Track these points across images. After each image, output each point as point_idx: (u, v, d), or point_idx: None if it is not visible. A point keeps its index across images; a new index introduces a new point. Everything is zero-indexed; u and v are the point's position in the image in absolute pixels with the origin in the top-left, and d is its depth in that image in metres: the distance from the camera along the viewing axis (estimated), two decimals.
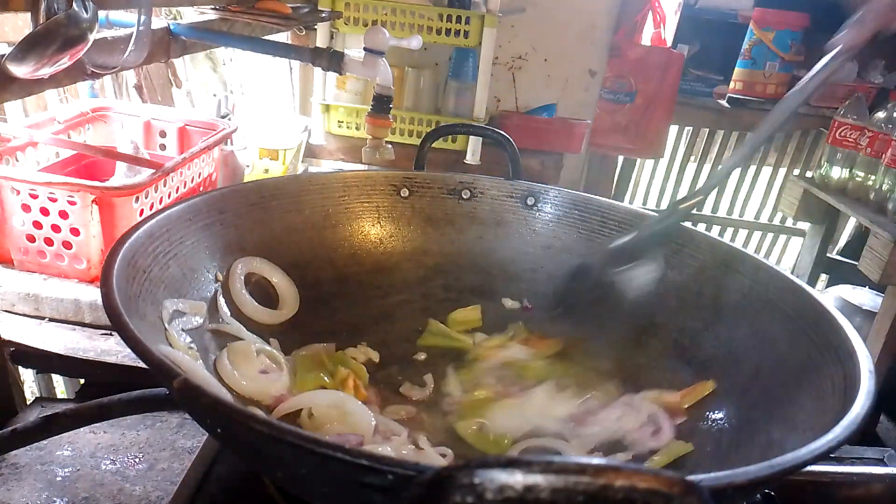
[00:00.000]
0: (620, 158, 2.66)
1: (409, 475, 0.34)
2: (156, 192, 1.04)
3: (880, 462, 0.79)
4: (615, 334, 0.82)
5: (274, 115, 1.90)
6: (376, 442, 0.61)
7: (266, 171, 1.50)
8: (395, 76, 1.34)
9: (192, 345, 0.62)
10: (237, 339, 0.69)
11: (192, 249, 0.68)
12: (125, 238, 0.59)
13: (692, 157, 3.17)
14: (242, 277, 0.73)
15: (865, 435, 0.80)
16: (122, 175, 1.14)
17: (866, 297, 2.12)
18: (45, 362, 0.88)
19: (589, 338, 0.83)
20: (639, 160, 2.97)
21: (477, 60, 1.66)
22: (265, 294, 0.76)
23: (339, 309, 0.83)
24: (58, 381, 1.58)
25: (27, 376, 1.63)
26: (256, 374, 0.65)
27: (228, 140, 1.33)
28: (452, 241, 0.92)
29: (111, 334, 0.92)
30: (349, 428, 0.61)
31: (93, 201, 0.95)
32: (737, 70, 2.52)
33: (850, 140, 1.92)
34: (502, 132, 0.96)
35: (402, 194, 0.91)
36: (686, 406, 0.68)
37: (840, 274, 2.48)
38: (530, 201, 0.92)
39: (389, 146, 1.25)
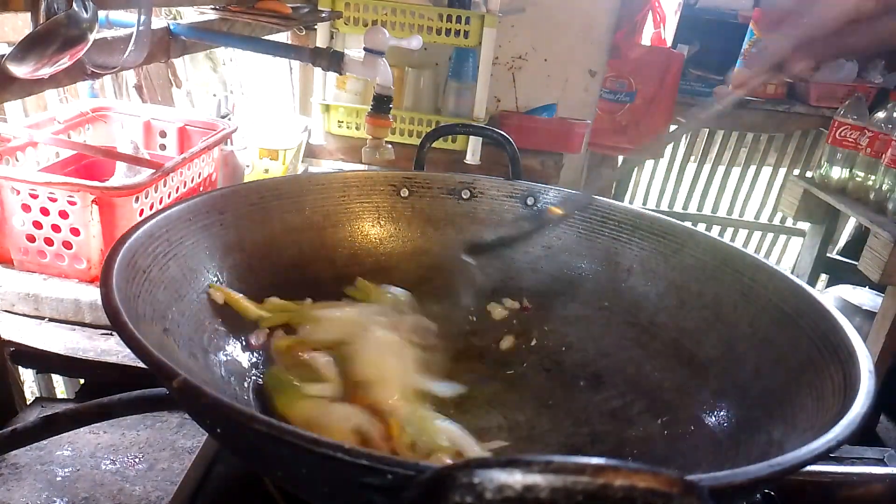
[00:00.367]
0: (620, 158, 2.66)
1: (408, 475, 0.34)
2: (156, 192, 1.04)
3: (880, 462, 0.79)
4: (616, 334, 0.82)
5: (274, 115, 1.90)
6: None
7: (266, 171, 1.50)
8: (395, 76, 1.34)
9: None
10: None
11: (192, 249, 0.68)
12: (125, 238, 0.59)
13: (692, 157, 3.17)
14: None
15: (865, 435, 0.81)
16: (122, 175, 1.14)
17: (866, 297, 2.12)
18: (45, 362, 0.88)
19: (589, 338, 0.83)
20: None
21: (477, 60, 1.66)
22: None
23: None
24: (58, 381, 1.59)
25: (27, 376, 1.63)
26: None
27: (228, 140, 1.33)
28: (452, 241, 0.92)
29: (111, 334, 0.92)
30: None
31: (93, 201, 0.95)
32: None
33: (850, 140, 1.92)
34: (502, 132, 0.96)
35: (402, 194, 0.91)
36: None
37: (840, 274, 2.49)
38: (530, 201, 0.92)
39: (389, 146, 1.25)
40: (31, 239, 0.98)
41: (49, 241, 0.98)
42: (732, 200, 3.26)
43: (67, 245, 0.98)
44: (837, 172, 1.98)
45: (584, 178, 2.33)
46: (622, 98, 2.26)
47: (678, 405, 0.71)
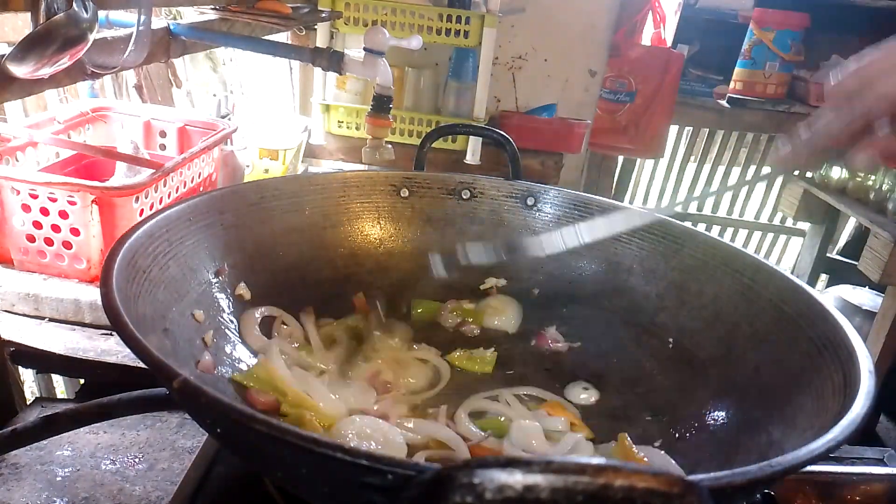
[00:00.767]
0: (620, 158, 2.66)
1: (408, 475, 0.34)
2: (156, 192, 1.04)
3: (880, 462, 0.79)
4: (616, 335, 0.82)
5: (274, 115, 1.90)
6: None
7: (266, 171, 1.50)
8: (395, 76, 1.34)
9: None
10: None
11: (192, 249, 0.68)
12: (125, 238, 0.59)
13: (692, 157, 3.17)
14: None
15: (865, 435, 0.80)
16: (122, 175, 1.14)
17: (866, 297, 2.12)
18: (45, 362, 0.88)
19: (589, 338, 0.83)
20: (639, 160, 2.97)
21: (477, 60, 1.66)
22: None
23: (338, 309, 0.83)
24: (58, 381, 1.59)
25: (27, 376, 1.63)
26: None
27: (228, 140, 1.33)
28: (452, 242, 0.92)
29: (111, 334, 0.92)
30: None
31: (93, 201, 0.95)
32: (737, 70, 2.53)
33: None
34: (502, 132, 0.96)
35: (402, 194, 0.91)
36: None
37: (840, 274, 2.49)
38: (530, 201, 0.92)
39: (389, 146, 1.25)
40: (31, 239, 0.98)
41: (49, 241, 0.98)
42: (732, 200, 3.26)
43: (67, 245, 0.98)
44: (837, 172, 1.98)
45: (583, 178, 2.33)
46: (622, 98, 2.26)
47: (678, 405, 0.71)
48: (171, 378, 0.42)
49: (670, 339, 0.78)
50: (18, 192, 0.95)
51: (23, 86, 0.74)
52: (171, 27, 1.07)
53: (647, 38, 2.31)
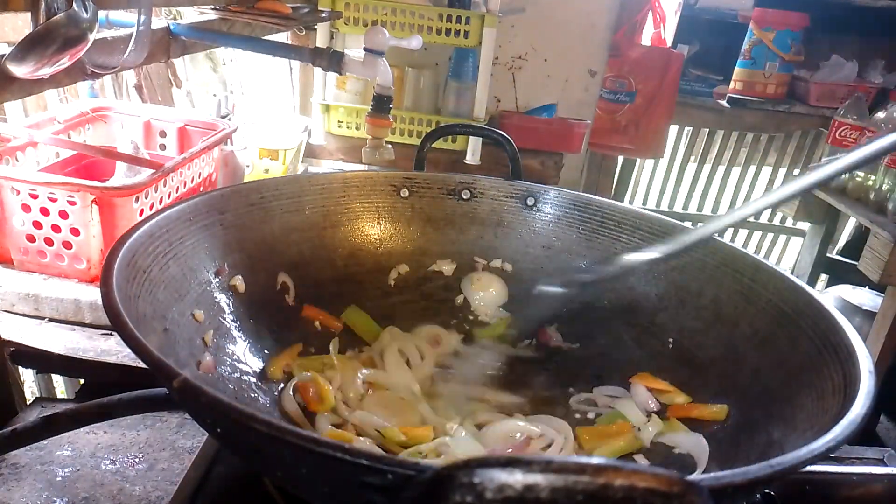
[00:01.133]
0: (620, 158, 2.66)
1: (408, 475, 0.34)
2: (156, 192, 1.04)
3: (880, 462, 0.79)
4: (616, 334, 0.82)
5: (274, 115, 1.90)
6: None
7: (266, 171, 1.50)
8: (395, 76, 1.34)
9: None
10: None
11: (192, 249, 0.68)
12: (125, 238, 0.59)
13: (692, 157, 3.17)
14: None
15: (865, 435, 0.80)
16: (122, 175, 1.14)
17: (866, 297, 2.12)
18: (45, 362, 0.88)
19: (588, 338, 0.83)
20: (639, 160, 2.97)
21: (477, 60, 1.66)
22: None
23: (339, 309, 0.83)
24: (58, 381, 1.59)
25: (27, 376, 1.63)
26: None
27: (228, 140, 1.33)
28: (452, 242, 0.92)
29: (111, 334, 0.92)
30: None
31: (93, 201, 0.95)
32: (737, 70, 2.53)
33: (851, 140, 1.93)
34: (502, 132, 0.96)
35: (402, 194, 0.91)
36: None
37: (840, 274, 2.49)
38: (530, 201, 0.92)
39: (389, 146, 1.25)
40: (31, 239, 0.98)
41: (49, 241, 0.98)
42: (732, 200, 3.26)
43: (67, 245, 0.98)
44: None
45: (583, 178, 2.33)
46: (622, 98, 2.26)
47: None
48: (171, 378, 0.42)
49: (670, 339, 0.78)
50: (18, 192, 0.95)
51: (23, 86, 0.74)
52: (171, 27, 1.07)
53: (647, 38, 2.31)
